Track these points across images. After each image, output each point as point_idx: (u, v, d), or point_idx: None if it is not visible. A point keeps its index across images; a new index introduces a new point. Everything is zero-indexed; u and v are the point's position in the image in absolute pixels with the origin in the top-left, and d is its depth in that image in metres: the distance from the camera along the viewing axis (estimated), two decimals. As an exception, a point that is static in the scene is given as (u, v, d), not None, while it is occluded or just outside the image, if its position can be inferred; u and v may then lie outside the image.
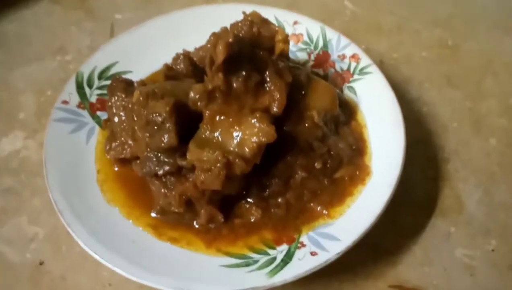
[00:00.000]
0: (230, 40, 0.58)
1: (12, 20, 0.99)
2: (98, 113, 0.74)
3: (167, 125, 0.60)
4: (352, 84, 0.78)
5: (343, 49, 0.81)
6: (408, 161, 0.68)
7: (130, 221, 0.64)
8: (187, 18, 0.85)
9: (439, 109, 0.86)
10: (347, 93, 0.78)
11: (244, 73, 0.61)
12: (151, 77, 0.79)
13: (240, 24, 0.65)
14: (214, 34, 0.69)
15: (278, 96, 0.63)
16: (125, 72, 0.78)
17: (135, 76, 0.78)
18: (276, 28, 0.66)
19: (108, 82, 0.75)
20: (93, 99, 0.75)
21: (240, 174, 0.59)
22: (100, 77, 0.77)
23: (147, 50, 0.81)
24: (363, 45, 0.88)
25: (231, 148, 0.60)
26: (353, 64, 0.79)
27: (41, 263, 0.67)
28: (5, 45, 0.95)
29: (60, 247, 0.68)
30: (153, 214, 0.65)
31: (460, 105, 0.87)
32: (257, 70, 0.63)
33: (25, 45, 0.95)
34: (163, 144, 0.60)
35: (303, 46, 0.83)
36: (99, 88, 0.76)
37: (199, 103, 0.61)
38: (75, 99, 0.73)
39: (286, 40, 0.66)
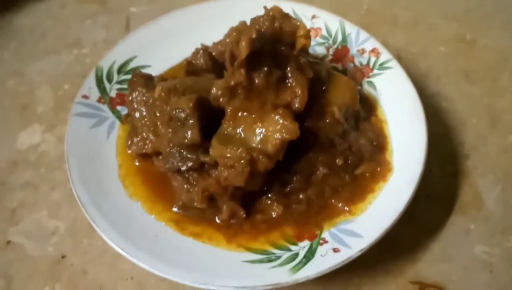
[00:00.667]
0: (253, 36, 0.58)
1: (27, 13, 0.99)
2: (118, 107, 0.74)
3: (190, 121, 0.60)
4: (372, 79, 0.78)
5: (362, 43, 0.80)
6: (427, 156, 0.67)
7: (153, 215, 0.64)
8: (203, 11, 0.84)
9: (458, 105, 0.85)
10: (366, 88, 0.78)
11: (266, 69, 0.61)
12: (170, 72, 0.79)
13: (261, 19, 0.65)
14: (234, 29, 0.69)
15: (300, 92, 0.63)
16: (143, 67, 0.78)
17: (154, 70, 0.78)
18: (298, 23, 0.66)
19: (127, 77, 0.76)
20: (112, 93, 0.75)
21: (264, 170, 0.59)
22: (119, 71, 0.77)
23: (165, 44, 0.81)
24: (380, 39, 0.87)
25: (254, 145, 0.60)
26: (373, 59, 0.79)
27: (63, 257, 0.67)
28: (21, 38, 0.95)
29: (82, 241, 0.69)
30: (175, 209, 0.65)
31: (478, 101, 0.86)
32: (278, 66, 0.63)
33: (41, 38, 0.95)
34: (186, 140, 0.60)
35: (322, 40, 0.83)
36: (119, 82, 0.76)
37: (221, 99, 0.61)
38: (95, 93, 0.74)
39: (307, 36, 0.66)
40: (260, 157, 0.58)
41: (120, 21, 0.97)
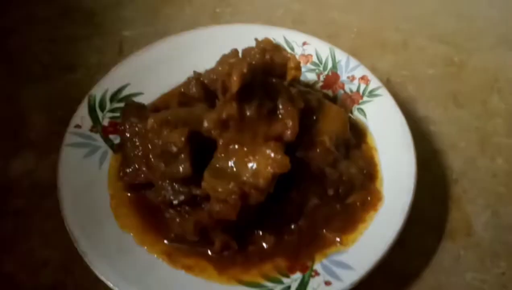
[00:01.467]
0: (245, 70, 0.59)
1: (20, 36, 0.99)
2: (111, 136, 0.74)
3: (182, 155, 0.60)
4: (362, 106, 0.78)
5: (352, 70, 0.81)
6: (416, 182, 0.68)
7: (144, 248, 0.64)
8: (196, 39, 0.85)
9: (446, 128, 0.86)
10: (356, 114, 0.79)
11: (257, 100, 0.62)
12: (163, 99, 0.79)
13: (253, 51, 0.65)
14: (225, 57, 0.70)
15: (291, 123, 0.63)
16: (136, 94, 0.79)
17: (146, 97, 0.78)
18: (288, 55, 0.67)
19: (119, 105, 0.76)
20: (105, 122, 0.75)
21: (255, 204, 0.60)
22: (112, 99, 0.77)
23: (158, 71, 0.81)
24: (370, 62, 0.88)
25: (245, 178, 0.60)
26: (363, 86, 0.80)
27: (54, 289, 0.67)
28: (13, 61, 0.95)
29: (74, 272, 0.69)
30: (166, 241, 0.65)
31: (467, 124, 0.87)
32: (269, 97, 0.64)
33: (33, 61, 0.95)
34: (178, 174, 0.61)
35: (312, 67, 0.83)
36: (111, 110, 0.76)
37: (213, 132, 0.62)
38: (87, 122, 0.74)
39: (298, 67, 0.67)
40: (252, 191, 0.59)
41: (113, 44, 0.98)
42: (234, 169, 0.61)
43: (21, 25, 1.00)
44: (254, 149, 0.61)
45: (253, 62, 0.64)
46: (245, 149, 0.62)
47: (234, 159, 0.61)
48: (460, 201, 0.78)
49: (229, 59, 0.67)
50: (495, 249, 0.73)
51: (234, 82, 0.59)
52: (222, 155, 0.62)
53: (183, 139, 0.60)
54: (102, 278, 0.59)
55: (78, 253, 0.62)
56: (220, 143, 0.62)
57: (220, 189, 0.59)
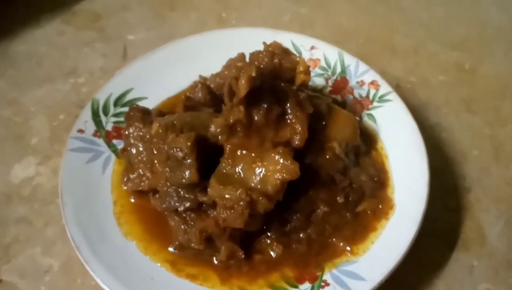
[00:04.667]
0: (253, 74, 0.57)
1: (24, 40, 0.98)
2: (114, 141, 0.73)
3: (188, 160, 0.58)
4: (372, 112, 0.77)
5: (361, 75, 0.80)
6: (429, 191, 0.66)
7: (148, 256, 0.62)
8: (201, 42, 0.84)
9: (458, 136, 0.84)
10: (366, 120, 0.77)
11: (265, 105, 0.60)
12: (167, 103, 0.78)
13: (261, 55, 0.64)
14: (232, 62, 0.68)
15: (299, 128, 0.62)
16: (140, 99, 0.77)
17: (151, 102, 0.77)
18: (297, 59, 0.65)
19: (123, 109, 0.75)
20: (109, 127, 0.74)
21: (263, 212, 0.58)
22: (116, 104, 0.76)
23: (162, 75, 0.80)
24: (379, 67, 0.86)
25: (253, 185, 0.58)
26: (372, 91, 0.78)
27: (56, 297, 0.65)
28: (17, 66, 0.94)
29: (75, 280, 0.67)
30: (171, 249, 0.63)
31: (480, 132, 0.85)
32: (278, 102, 0.62)
33: (37, 66, 0.94)
34: (184, 180, 0.59)
35: (321, 72, 0.82)
36: (115, 115, 0.75)
37: (220, 137, 0.60)
38: (91, 127, 0.72)
39: (307, 72, 0.65)
40: (260, 198, 0.57)
41: (118, 49, 0.97)
42: (242, 175, 0.59)
43: (24, 29, 0.99)
44: (262, 154, 0.59)
45: (262, 66, 0.63)
46: (253, 154, 0.60)
47: (241, 165, 0.60)
48: (473, 211, 0.75)
49: (236, 63, 0.66)
50: (509, 259, 0.71)
51: (242, 86, 0.57)
52: (229, 161, 0.60)
53: (189, 143, 0.58)
54: (104, 286, 0.57)
55: (80, 261, 0.61)
56: (227, 148, 0.60)
57: (227, 196, 0.57)
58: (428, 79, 0.93)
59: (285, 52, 0.65)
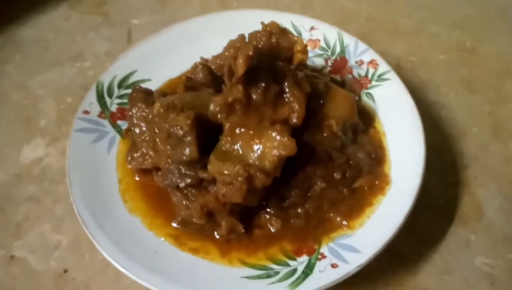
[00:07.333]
0: (250, 53, 0.58)
1: (30, 25, 1.00)
2: (119, 122, 0.75)
3: (188, 138, 0.60)
4: (371, 91, 0.78)
5: (360, 54, 0.80)
6: (426, 167, 0.67)
7: (152, 231, 0.65)
8: (203, 25, 0.85)
9: (458, 114, 0.85)
10: (365, 99, 0.78)
11: (263, 84, 0.62)
12: (170, 85, 0.79)
13: (259, 35, 0.65)
14: (232, 42, 0.69)
15: (297, 107, 0.63)
16: (144, 81, 0.79)
17: (154, 84, 0.79)
18: (295, 38, 0.66)
19: (127, 91, 0.76)
20: (113, 108, 0.76)
21: (261, 187, 0.60)
22: (120, 86, 0.77)
23: (165, 57, 0.82)
24: (380, 48, 0.87)
25: (252, 161, 0.60)
26: (371, 70, 0.79)
27: (65, 271, 0.68)
28: (25, 51, 0.96)
29: (83, 255, 0.69)
30: (174, 224, 0.65)
31: (479, 110, 0.86)
32: (275, 81, 0.63)
33: (44, 51, 0.96)
34: (184, 157, 0.61)
35: (320, 52, 0.83)
36: (119, 97, 0.77)
37: (219, 116, 0.62)
38: (96, 108, 0.74)
39: (305, 51, 0.66)
40: (258, 174, 0.59)
41: (122, 33, 0.98)
42: (240, 152, 0.61)
43: (31, 15, 1.01)
44: (260, 132, 0.61)
45: (259, 45, 0.64)
46: (251, 132, 0.61)
47: (240, 142, 0.61)
48: (471, 187, 0.76)
49: (236, 44, 0.67)
50: (507, 234, 0.72)
51: (240, 65, 0.58)
52: (228, 138, 0.62)
53: (189, 122, 0.60)
54: (111, 259, 0.60)
55: (88, 237, 0.63)
56: (227, 126, 0.62)
57: (226, 172, 0.59)
58: (428, 59, 0.93)
59: (283, 31, 0.66)
